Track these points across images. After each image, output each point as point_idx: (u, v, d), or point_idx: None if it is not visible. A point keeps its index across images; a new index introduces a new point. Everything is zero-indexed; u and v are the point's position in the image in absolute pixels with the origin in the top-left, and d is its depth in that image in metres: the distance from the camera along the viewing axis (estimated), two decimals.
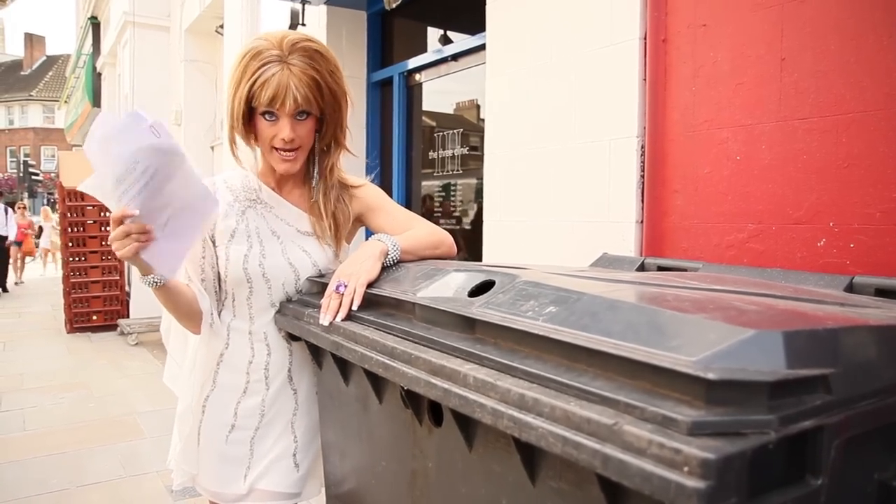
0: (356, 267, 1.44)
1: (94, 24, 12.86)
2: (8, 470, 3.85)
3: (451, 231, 4.04)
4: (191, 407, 1.62)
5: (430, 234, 1.64)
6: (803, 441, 0.74)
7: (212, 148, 7.95)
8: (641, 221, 2.19)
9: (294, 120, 1.47)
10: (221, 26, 6.80)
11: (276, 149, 1.51)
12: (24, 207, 14.90)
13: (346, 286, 1.40)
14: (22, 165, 32.64)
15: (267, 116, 1.47)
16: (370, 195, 1.71)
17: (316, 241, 1.62)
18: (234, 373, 1.59)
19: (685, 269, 1.70)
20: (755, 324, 0.76)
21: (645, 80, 2.17)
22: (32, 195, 32.53)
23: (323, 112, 1.51)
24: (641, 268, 1.80)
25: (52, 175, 29.44)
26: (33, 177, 30.94)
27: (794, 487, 0.75)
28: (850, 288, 1.36)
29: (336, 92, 1.51)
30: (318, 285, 1.60)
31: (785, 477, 0.74)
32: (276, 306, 1.60)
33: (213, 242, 1.58)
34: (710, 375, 0.67)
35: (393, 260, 1.50)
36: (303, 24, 4.25)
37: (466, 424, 1.02)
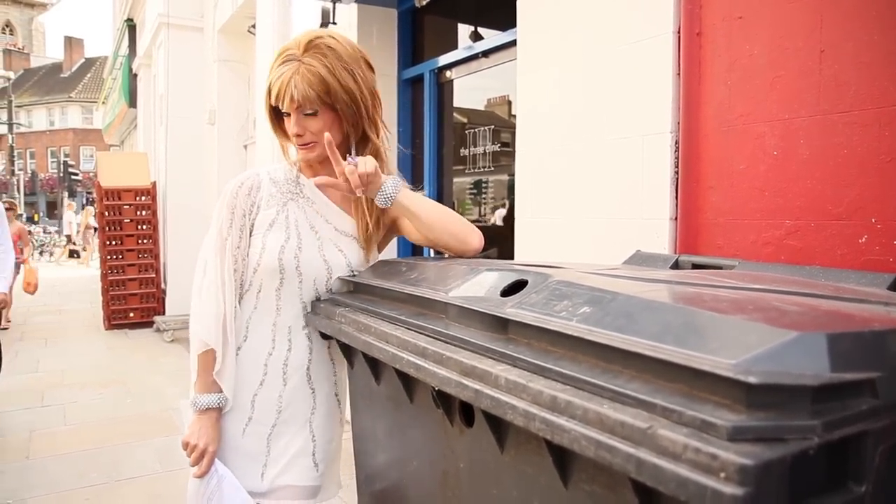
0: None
1: (130, 26, 13.08)
2: (50, 463, 3.94)
3: (482, 228, 4.02)
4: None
5: (454, 213, 1.64)
6: (846, 447, 0.71)
7: (245, 147, 8.04)
8: (675, 218, 2.15)
9: (300, 115, 1.51)
10: (254, 26, 6.85)
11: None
12: (12, 208, 9.84)
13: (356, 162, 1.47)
14: (62, 165, 33.36)
15: (284, 113, 1.54)
16: None
17: (353, 242, 1.63)
18: (252, 365, 1.59)
19: (721, 267, 1.66)
20: (798, 325, 0.74)
21: (679, 74, 2.13)
22: (72, 195, 33.23)
23: (336, 108, 1.51)
24: (675, 265, 1.77)
25: (91, 175, 30.08)
26: (73, 177, 31.62)
27: (836, 495, 0.72)
28: (895, 286, 1.32)
29: (349, 88, 1.50)
30: (351, 284, 1.60)
31: (826, 484, 0.72)
32: (304, 302, 1.60)
33: (251, 232, 1.59)
34: (752, 379, 0.65)
35: (385, 197, 1.51)
36: (333, 23, 4.26)
37: (498, 426, 1.01)
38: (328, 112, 1.51)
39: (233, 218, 1.57)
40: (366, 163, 1.47)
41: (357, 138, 1.58)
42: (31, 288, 8.55)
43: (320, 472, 1.63)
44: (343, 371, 1.69)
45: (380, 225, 1.64)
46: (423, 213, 1.55)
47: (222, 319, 1.54)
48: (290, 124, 1.53)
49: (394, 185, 1.51)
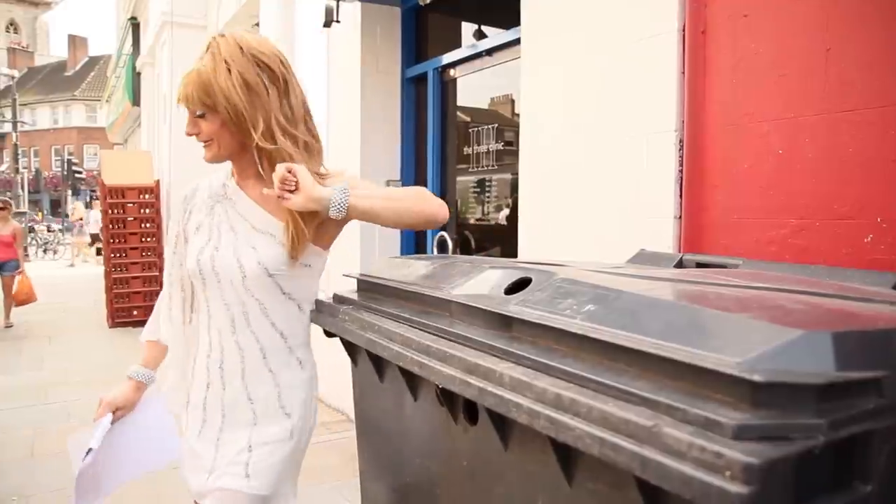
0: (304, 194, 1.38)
1: (134, 24, 13.10)
2: (54, 461, 3.95)
3: (486, 227, 4.02)
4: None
5: (414, 193, 1.52)
6: (852, 446, 0.71)
7: None
8: (680, 217, 2.15)
9: (192, 116, 1.51)
10: (257, 25, 6.86)
11: None
12: (6, 207, 8.77)
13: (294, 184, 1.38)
14: (66, 164, 33.41)
15: None
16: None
17: (270, 239, 1.53)
18: (202, 367, 1.59)
19: (725, 266, 1.66)
20: (803, 324, 0.74)
21: (683, 73, 2.13)
22: (76, 193, 33.27)
23: (218, 109, 1.46)
24: (680, 264, 1.77)
25: (95, 173, 30.09)
26: (76, 175, 31.63)
27: (842, 494, 0.72)
28: None
29: (226, 88, 1.44)
30: (355, 282, 1.61)
31: (832, 483, 0.72)
32: (227, 305, 1.53)
33: (186, 239, 1.61)
34: (757, 377, 0.65)
35: (338, 207, 1.39)
36: (337, 21, 4.25)
37: (502, 424, 1.01)
38: (214, 113, 1.48)
39: (171, 225, 1.65)
40: (279, 169, 1.39)
41: (259, 137, 1.49)
42: (21, 296, 8.33)
43: (250, 483, 1.51)
44: (292, 381, 1.57)
45: (312, 222, 1.51)
46: (383, 210, 1.45)
47: (165, 320, 1.68)
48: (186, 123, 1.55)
49: (342, 195, 1.39)
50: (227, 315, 1.55)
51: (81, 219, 18.95)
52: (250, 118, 1.47)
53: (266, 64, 1.49)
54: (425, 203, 1.50)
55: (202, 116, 1.50)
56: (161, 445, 1.74)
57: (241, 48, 1.47)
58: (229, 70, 1.45)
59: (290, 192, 1.38)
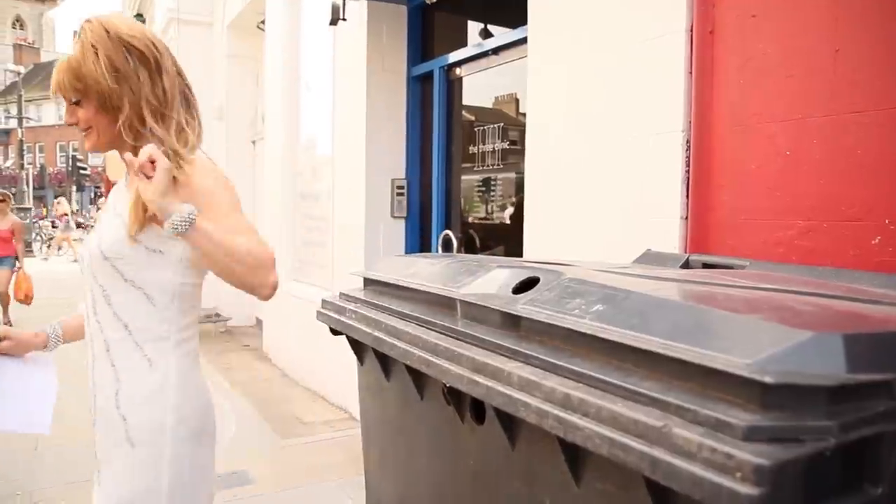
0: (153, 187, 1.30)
1: (140, 21, 13.11)
2: (57, 456, 3.96)
3: (490, 226, 4.02)
4: None
5: (251, 260, 1.36)
6: (862, 448, 0.71)
7: (253, 142, 8.06)
8: (686, 217, 2.14)
9: (69, 104, 1.49)
10: (263, 22, 6.86)
11: None
12: (5, 200, 8.32)
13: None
14: (70, 160, 33.51)
15: None
16: (196, 188, 1.42)
17: (118, 220, 1.46)
18: None
19: (731, 267, 1.66)
20: (813, 325, 0.74)
21: (691, 73, 2.12)
22: (80, 189, 33.37)
23: (89, 94, 1.44)
24: (686, 265, 1.77)
25: (99, 169, 30.14)
26: (81, 171, 31.71)
27: (852, 496, 0.72)
28: None
29: (94, 72, 1.42)
30: (361, 280, 1.61)
31: (842, 485, 0.72)
32: (86, 294, 1.49)
33: None
34: (768, 379, 0.65)
35: (175, 228, 1.28)
36: (343, 19, 4.25)
37: (509, 423, 1.01)
38: (88, 100, 1.46)
39: None
40: (144, 151, 1.33)
41: (125, 125, 1.46)
42: (20, 294, 8.11)
43: (102, 491, 1.42)
44: (134, 380, 1.42)
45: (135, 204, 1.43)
46: (219, 260, 1.35)
47: None
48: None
49: (184, 223, 1.29)
50: (85, 304, 1.50)
51: (66, 214, 19.15)
52: (117, 101, 1.45)
53: (134, 46, 1.46)
54: (257, 275, 1.37)
55: (78, 104, 1.47)
56: (33, 410, 1.64)
57: (107, 31, 1.45)
58: (96, 54, 1.42)
59: (147, 177, 1.31)
